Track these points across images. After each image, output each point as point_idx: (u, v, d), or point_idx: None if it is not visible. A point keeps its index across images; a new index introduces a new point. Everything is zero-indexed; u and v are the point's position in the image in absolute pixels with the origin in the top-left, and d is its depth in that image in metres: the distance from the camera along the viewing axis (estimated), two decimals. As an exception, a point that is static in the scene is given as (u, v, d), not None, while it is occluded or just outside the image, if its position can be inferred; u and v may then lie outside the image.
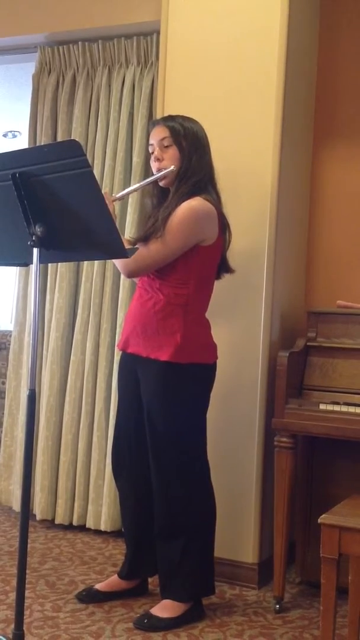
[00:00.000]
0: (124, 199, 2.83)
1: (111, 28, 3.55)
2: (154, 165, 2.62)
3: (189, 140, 2.58)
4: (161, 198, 2.65)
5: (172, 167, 2.56)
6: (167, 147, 2.58)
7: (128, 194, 2.69)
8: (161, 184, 2.62)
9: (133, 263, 2.51)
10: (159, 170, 2.59)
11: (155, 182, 2.62)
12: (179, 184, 2.56)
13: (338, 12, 3.31)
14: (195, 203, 2.51)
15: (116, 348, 3.45)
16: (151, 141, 2.64)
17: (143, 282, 2.64)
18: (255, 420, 2.93)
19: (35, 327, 2.21)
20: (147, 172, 2.74)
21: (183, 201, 2.52)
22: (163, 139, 2.58)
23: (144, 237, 2.55)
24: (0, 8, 3.76)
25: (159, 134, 2.60)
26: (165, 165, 2.58)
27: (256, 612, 2.74)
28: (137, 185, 2.75)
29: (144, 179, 3.05)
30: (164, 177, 2.59)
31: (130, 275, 2.60)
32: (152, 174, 2.62)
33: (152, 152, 2.63)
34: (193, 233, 2.51)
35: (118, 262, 2.58)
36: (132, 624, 2.55)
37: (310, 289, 3.35)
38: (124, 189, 2.98)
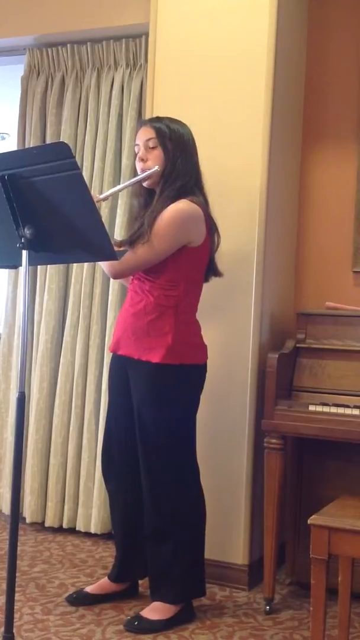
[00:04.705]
0: (108, 200, 2.83)
1: (100, 30, 3.54)
2: (138, 166, 2.62)
3: (175, 142, 2.57)
4: (148, 199, 2.64)
5: (156, 168, 2.56)
6: (152, 148, 2.58)
7: (112, 194, 2.68)
8: (145, 184, 2.62)
9: (119, 265, 2.51)
10: (143, 170, 2.59)
11: (141, 182, 2.62)
12: (163, 186, 2.56)
13: (326, 14, 3.32)
14: (181, 205, 2.51)
15: (106, 350, 3.45)
16: (137, 141, 2.63)
17: (134, 285, 2.64)
18: (245, 421, 2.94)
19: (24, 329, 2.20)
20: (136, 174, 2.75)
21: (168, 204, 2.51)
22: (149, 139, 2.58)
23: (130, 242, 2.55)
24: (-12, 10, 3.76)
25: (144, 134, 2.60)
26: (149, 165, 2.58)
27: (246, 613, 2.74)
28: (122, 185, 2.74)
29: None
30: (148, 178, 2.58)
31: (116, 276, 2.60)
32: (138, 175, 2.62)
33: (137, 153, 2.63)
34: (180, 235, 2.51)
35: (104, 263, 2.58)
36: (123, 627, 2.55)
37: (300, 290, 3.35)
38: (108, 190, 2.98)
